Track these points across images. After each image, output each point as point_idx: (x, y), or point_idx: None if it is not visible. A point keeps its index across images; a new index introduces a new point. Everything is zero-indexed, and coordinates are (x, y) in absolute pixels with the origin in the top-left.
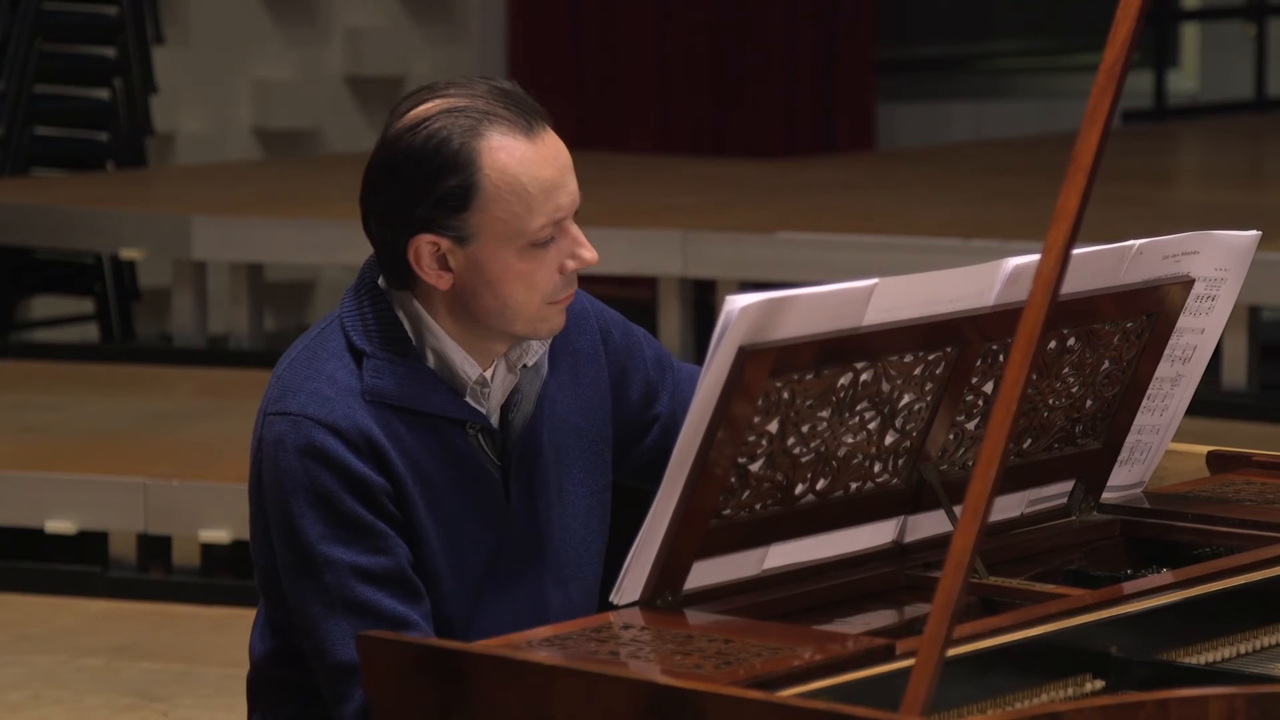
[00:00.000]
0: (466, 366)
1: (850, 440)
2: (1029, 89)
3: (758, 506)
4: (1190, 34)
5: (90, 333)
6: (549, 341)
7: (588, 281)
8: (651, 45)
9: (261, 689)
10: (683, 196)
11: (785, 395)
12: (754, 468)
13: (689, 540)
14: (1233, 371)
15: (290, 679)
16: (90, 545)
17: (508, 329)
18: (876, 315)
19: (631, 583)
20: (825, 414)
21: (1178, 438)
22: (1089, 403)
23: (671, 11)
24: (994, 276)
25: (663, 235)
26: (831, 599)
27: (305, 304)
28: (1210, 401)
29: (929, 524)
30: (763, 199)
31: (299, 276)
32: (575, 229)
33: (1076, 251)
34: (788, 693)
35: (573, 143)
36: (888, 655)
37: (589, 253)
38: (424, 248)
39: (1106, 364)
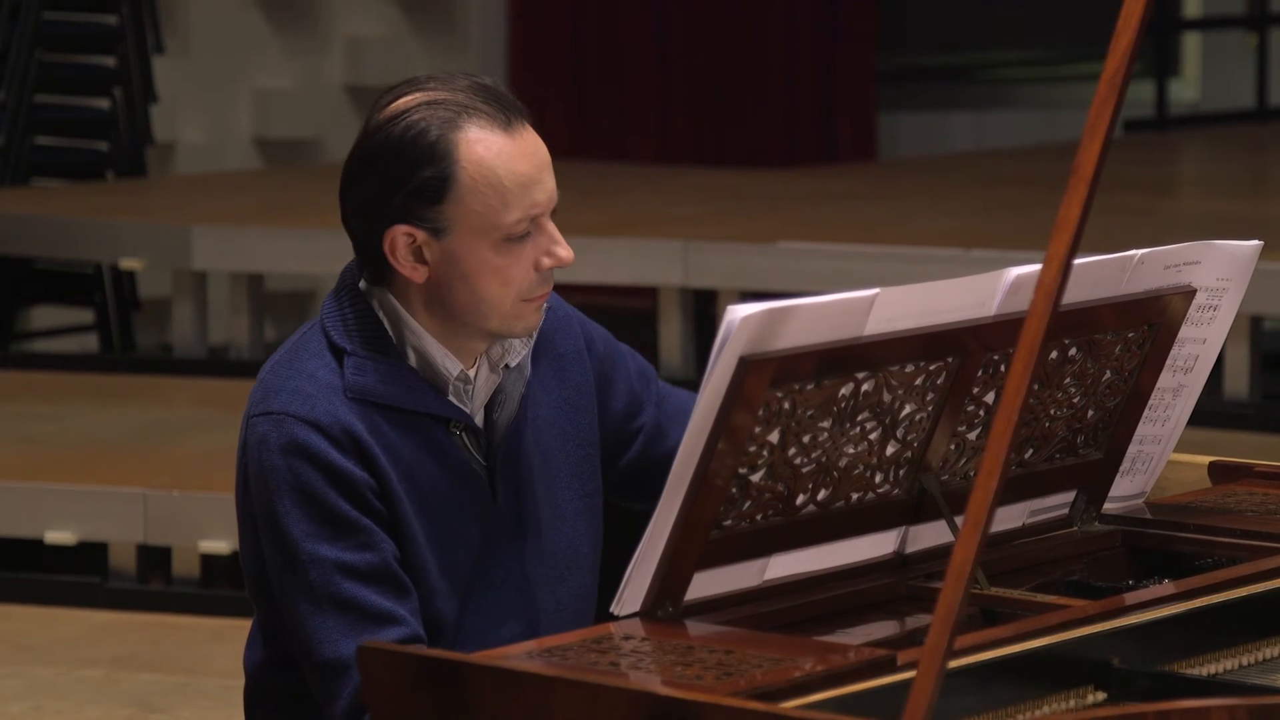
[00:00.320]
0: (447, 363)
1: (851, 451)
2: (1030, 99)
3: (759, 517)
4: (1191, 43)
5: (90, 343)
6: (531, 342)
7: (589, 291)
8: (652, 55)
9: (257, 699)
10: (683, 206)
11: (786, 405)
12: (755, 478)
13: (690, 551)
14: (1234, 382)
15: (285, 687)
16: (90, 556)
17: (482, 324)
18: (877, 325)
19: (632, 593)
20: (826, 424)
21: (1179, 448)
22: (1090, 413)
23: (672, 22)
24: (995, 286)
25: (663, 245)
26: (832, 610)
27: (305, 314)
28: (1212, 412)
29: (930, 534)
30: (763, 209)
31: (299, 286)
32: (552, 227)
33: (1078, 261)
34: (789, 704)
35: (573, 153)
36: (889, 666)
37: (565, 251)
38: (399, 239)
39: (1108, 374)
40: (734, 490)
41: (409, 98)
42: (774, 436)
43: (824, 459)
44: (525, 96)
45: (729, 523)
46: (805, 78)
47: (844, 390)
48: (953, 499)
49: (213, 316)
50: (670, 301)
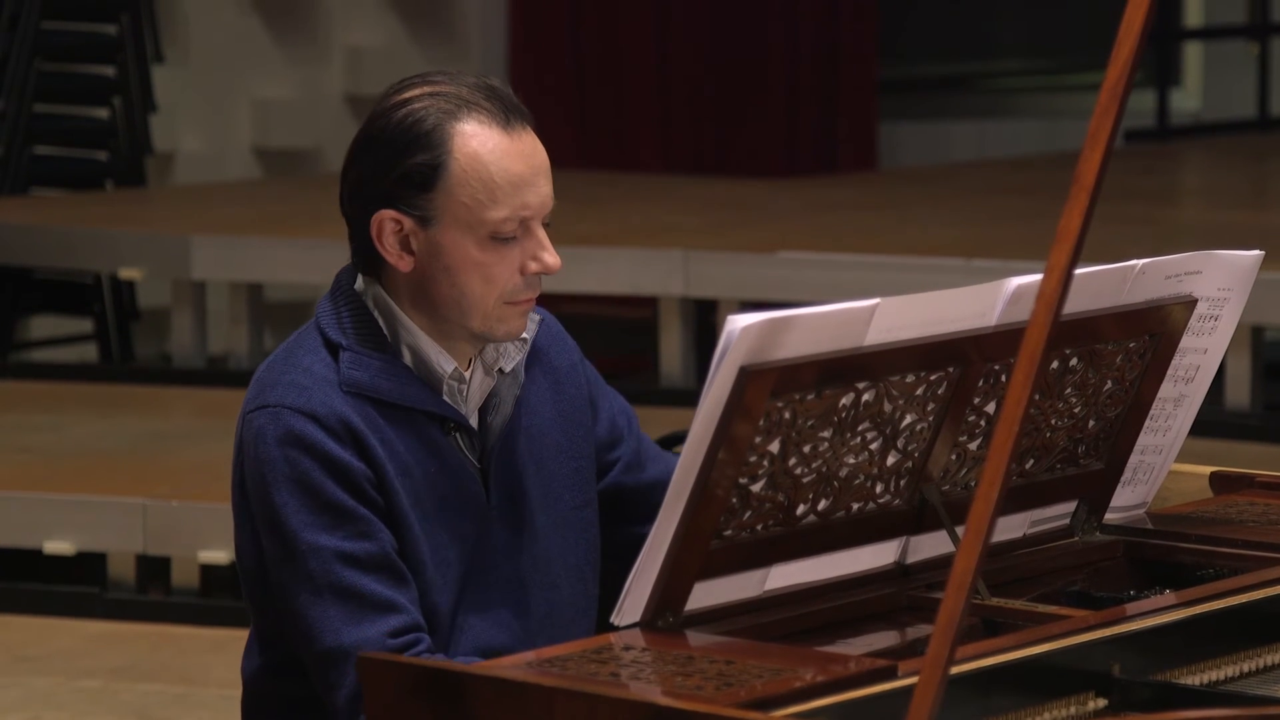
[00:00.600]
0: (441, 360)
1: (852, 460)
2: (1031, 108)
3: (759, 527)
4: (1193, 53)
5: (89, 353)
6: (526, 348)
7: (590, 301)
8: (653, 65)
9: (254, 705)
10: (684, 216)
11: (786, 415)
12: (755, 488)
13: (690, 561)
14: (1236, 392)
15: (282, 693)
16: (89, 566)
17: (464, 322)
18: (878, 335)
19: (632, 604)
20: (827, 434)
21: (1181, 458)
22: (1091, 423)
23: (673, 32)
24: (996, 296)
25: (664, 255)
26: (833, 620)
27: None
28: (1213, 422)
29: (931, 545)
30: (764, 219)
31: (299, 296)
32: (542, 233)
33: (1079, 271)
34: (789, 713)
35: (573, 163)
36: (890, 676)
37: (551, 258)
38: (386, 223)
39: (1109, 384)
40: (734, 500)
41: (414, 90)
42: (774, 446)
43: (825, 469)
44: (525, 105)
45: (729, 533)
46: (806, 88)
47: (845, 400)
48: (954, 509)
49: (212, 326)
50: (670, 311)
